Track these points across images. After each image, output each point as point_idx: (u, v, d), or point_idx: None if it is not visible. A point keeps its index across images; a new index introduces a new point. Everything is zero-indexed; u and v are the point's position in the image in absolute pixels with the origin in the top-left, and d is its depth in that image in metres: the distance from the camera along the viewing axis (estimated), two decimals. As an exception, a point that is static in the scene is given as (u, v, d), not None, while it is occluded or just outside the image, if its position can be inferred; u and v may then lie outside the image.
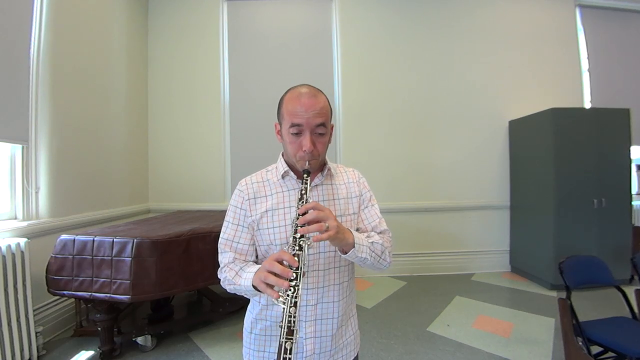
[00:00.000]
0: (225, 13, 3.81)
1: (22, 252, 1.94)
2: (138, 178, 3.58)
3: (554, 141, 3.16)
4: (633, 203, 3.32)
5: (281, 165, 0.91)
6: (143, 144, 3.69)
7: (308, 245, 0.72)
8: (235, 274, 0.84)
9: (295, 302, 0.67)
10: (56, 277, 1.97)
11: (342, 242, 0.77)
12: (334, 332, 0.88)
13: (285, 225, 0.86)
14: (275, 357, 0.67)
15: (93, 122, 2.84)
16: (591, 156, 3.16)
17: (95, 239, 1.98)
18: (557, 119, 3.16)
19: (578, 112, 3.32)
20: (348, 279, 0.93)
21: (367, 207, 0.95)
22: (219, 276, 0.89)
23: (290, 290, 0.67)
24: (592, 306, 2.65)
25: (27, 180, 2.25)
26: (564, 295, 1.74)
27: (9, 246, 1.86)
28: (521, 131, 3.69)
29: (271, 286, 0.69)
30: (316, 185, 0.91)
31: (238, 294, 0.86)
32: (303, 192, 0.78)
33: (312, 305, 0.85)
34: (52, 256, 2.01)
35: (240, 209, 0.89)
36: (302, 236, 0.72)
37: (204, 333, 2.42)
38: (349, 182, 0.96)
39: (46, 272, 2.00)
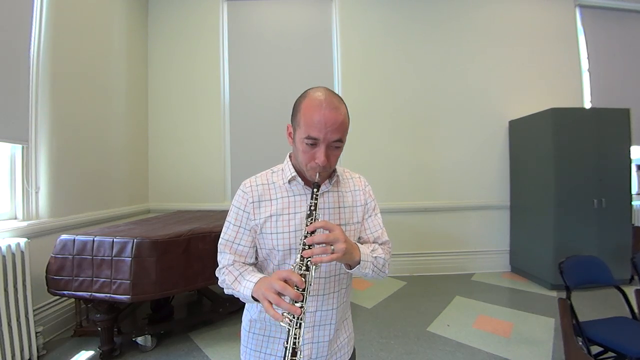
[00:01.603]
0: (225, 13, 3.81)
1: (22, 252, 1.94)
2: (138, 178, 3.58)
3: (554, 141, 3.16)
4: (633, 203, 3.32)
5: (288, 169, 0.88)
6: (143, 144, 3.69)
7: (315, 266, 0.71)
8: (234, 279, 0.82)
9: (300, 324, 0.66)
10: (56, 277, 1.97)
11: (349, 261, 0.77)
12: (330, 338, 0.88)
13: (289, 232, 0.84)
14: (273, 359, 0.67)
15: (93, 122, 2.84)
16: (591, 156, 3.16)
17: (95, 239, 1.98)
18: (557, 119, 3.16)
19: (578, 112, 3.32)
20: (346, 286, 0.93)
21: (370, 216, 0.94)
22: (217, 275, 0.89)
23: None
24: (592, 306, 2.65)
25: (27, 180, 2.25)
26: (564, 295, 1.74)
27: (9, 246, 1.86)
28: (521, 131, 3.69)
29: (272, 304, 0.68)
30: (323, 192, 0.88)
31: (235, 296, 0.85)
32: (312, 207, 0.76)
33: (311, 312, 0.85)
34: (52, 256, 2.01)
35: (244, 211, 0.87)
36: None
37: (204, 333, 2.42)
38: (355, 189, 0.94)
39: (46, 272, 2.00)
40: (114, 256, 1.93)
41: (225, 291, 0.86)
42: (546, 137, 3.24)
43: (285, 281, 0.68)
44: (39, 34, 2.31)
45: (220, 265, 0.88)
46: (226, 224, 0.89)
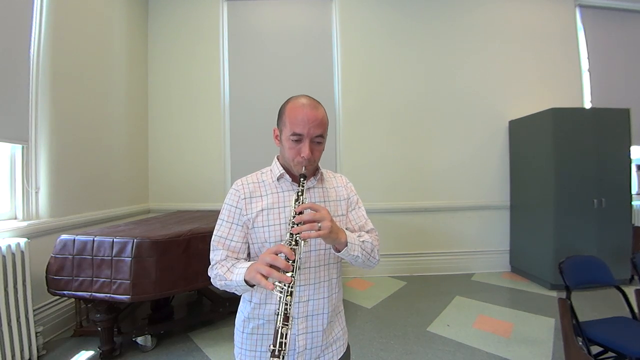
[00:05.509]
0: (225, 13, 3.81)
1: (22, 252, 1.94)
2: (138, 178, 3.58)
3: (554, 141, 3.16)
4: (633, 203, 3.32)
5: (277, 168, 0.95)
6: (143, 144, 3.69)
7: (304, 241, 0.77)
8: (227, 270, 0.87)
9: (292, 292, 0.71)
10: (56, 277, 1.97)
11: (336, 241, 0.82)
12: (324, 327, 0.91)
13: (280, 224, 0.89)
14: (269, 352, 0.69)
15: (93, 122, 2.84)
16: (591, 156, 3.16)
17: (95, 239, 1.98)
18: (557, 119, 3.16)
19: (578, 112, 3.32)
20: (337, 276, 0.97)
21: (354, 209, 1.02)
22: (209, 273, 0.92)
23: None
24: (592, 306, 2.65)
25: (27, 180, 2.25)
26: (564, 295, 1.74)
27: (9, 246, 1.86)
28: (521, 131, 3.69)
29: (265, 277, 0.72)
30: (309, 188, 0.95)
31: (228, 290, 0.88)
32: (300, 193, 0.84)
33: (304, 301, 0.88)
34: (52, 256, 2.01)
35: (236, 207, 0.92)
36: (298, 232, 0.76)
37: (204, 333, 2.42)
38: (337, 186, 1.02)
39: (46, 272, 2.00)
40: (114, 256, 1.93)
41: (218, 285, 0.89)
42: (546, 137, 3.24)
43: (276, 255, 0.74)
44: (39, 34, 2.31)
45: (212, 262, 0.92)
46: (219, 222, 0.94)
